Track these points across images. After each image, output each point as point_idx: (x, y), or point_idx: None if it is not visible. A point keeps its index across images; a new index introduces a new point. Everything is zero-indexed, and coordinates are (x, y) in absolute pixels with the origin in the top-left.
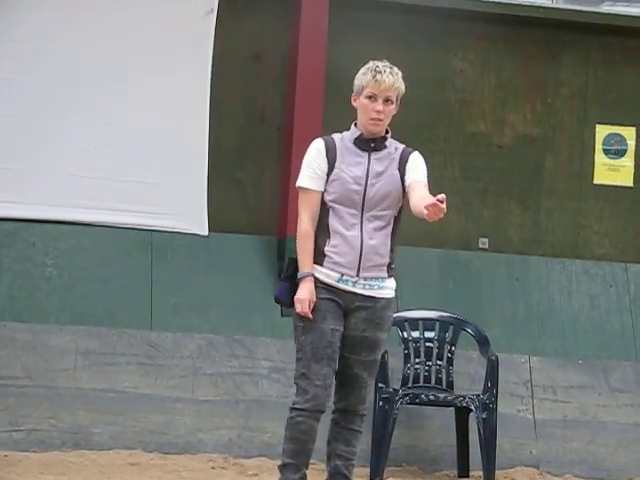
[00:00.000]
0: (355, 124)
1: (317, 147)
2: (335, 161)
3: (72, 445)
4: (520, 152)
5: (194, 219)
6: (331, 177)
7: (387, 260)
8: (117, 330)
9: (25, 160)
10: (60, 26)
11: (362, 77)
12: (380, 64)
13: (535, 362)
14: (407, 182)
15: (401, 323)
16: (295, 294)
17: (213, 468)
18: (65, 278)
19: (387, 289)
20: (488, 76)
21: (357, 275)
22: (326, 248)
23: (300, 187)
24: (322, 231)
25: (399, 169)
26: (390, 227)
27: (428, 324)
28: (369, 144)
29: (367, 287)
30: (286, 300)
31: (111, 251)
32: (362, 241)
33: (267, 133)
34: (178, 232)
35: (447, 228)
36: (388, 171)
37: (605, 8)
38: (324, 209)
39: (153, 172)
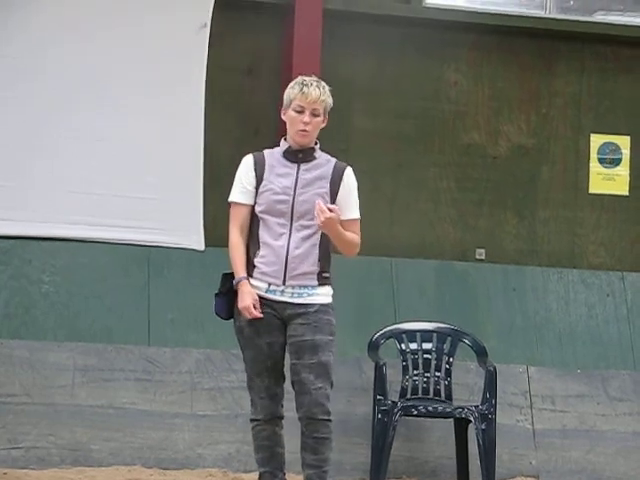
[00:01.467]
0: (285, 138)
1: (246, 163)
2: (264, 174)
3: (71, 462)
4: (515, 162)
5: (190, 234)
6: (260, 189)
7: (316, 268)
8: (115, 346)
9: (20, 177)
10: (54, 42)
11: (290, 91)
12: (307, 78)
13: (533, 372)
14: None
15: (399, 335)
16: (233, 307)
17: None
18: (62, 295)
19: (319, 296)
20: (482, 87)
21: (283, 284)
22: (255, 259)
23: (231, 202)
24: (253, 243)
25: (331, 183)
26: (318, 235)
27: (426, 335)
28: (297, 155)
29: (295, 295)
30: (224, 314)
31: (108, 267)
32: (288, 251)
33: (262, 147)
34: (175, 247)
35: (443, 239)
36: (317, 182)
37: (598, 17)
38: (255, 221)
39: (149, 188)
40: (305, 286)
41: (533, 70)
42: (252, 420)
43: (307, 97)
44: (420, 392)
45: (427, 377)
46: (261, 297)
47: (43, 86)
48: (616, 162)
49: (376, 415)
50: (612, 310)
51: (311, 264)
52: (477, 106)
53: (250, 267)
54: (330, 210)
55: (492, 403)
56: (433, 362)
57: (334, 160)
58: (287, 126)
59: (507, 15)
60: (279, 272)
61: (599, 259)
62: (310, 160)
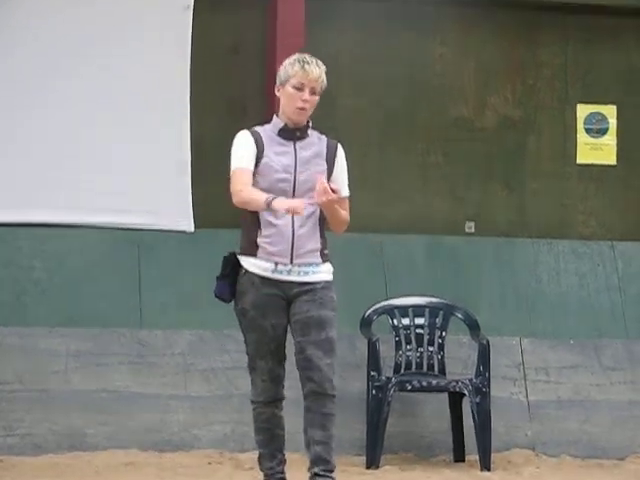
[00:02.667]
0: (276, 115)
1: (244, 135)
2: (263, 149)
3: (67, 447)
4: (502, 134)
5: (180, 216)
6: (260, 166)
7: (319, 246)
8: (107, 330)
9: (7, 164)
10: (37, 24)
11: (289, 67)
12: (307, 56)
13: (526, 344)
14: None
15: (390, 310)
16: (234, 289)
17: (209, 464)
18: (53, 280)
19: (323, 273)
20: (467, 59)
21: (291, 263)
22: (258, 239)
23: (237, 168)
24: (252, 222)
25: (327, 161)
26: (318, 213)
27: (417, 310)
28: (294, 133)
29: (302, 274)
30: (227, 297)
31: (98, 251)
32: (293, 229)
33: (249, 126)
34: (164, 230)
35: (433, 213)
36: (315, 160)
37: None
38: None
39: (136, 171)
40: (310, 264)
41: (518, 41)
42: (252, 402)
43: (308, 75)
44: (414, 367)
45: (420, 352)
46: (266, 278)
47: (26, 75)
48: (603, 132)
49: (370, 391)
50: (603, 279)
51: (315, 242)
52: (463, 79)
53: (252, 247)
54: (333, 190)
55: (486, 376)
56: (426, 337)
57: (325, 137)
58: (282, 103)
59: None
60: (286, 251)
61: (589, 229)
62: (304, 138)
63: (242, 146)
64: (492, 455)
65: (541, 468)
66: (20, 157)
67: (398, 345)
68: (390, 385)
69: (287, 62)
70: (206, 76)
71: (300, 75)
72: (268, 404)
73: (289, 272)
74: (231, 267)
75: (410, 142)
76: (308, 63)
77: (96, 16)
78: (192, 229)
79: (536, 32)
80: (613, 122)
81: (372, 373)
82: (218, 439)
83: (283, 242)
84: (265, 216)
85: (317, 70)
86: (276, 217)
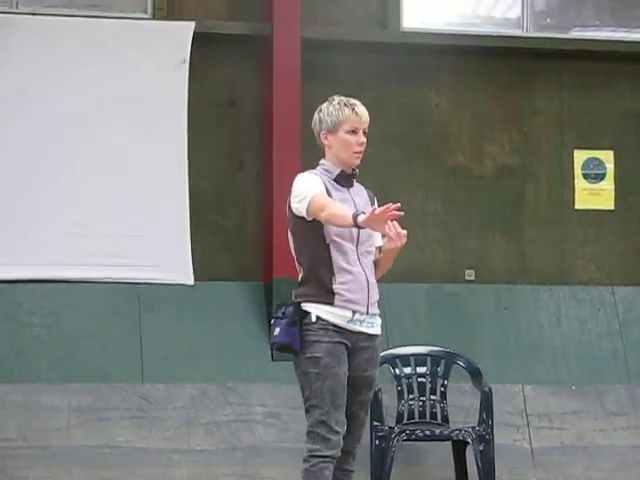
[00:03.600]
0: (325, 160)
1: (312, 176)
2: (330, 195)
3: None
4: (500, 182)
5: (179, 269)
6: None
7: (378, 296)
8: (108, 385)
9: (6, 221)
10: (37, 82)
11: (337, 113)
12: (348, 98)
13: (529, 390)
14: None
15: (392, 360)
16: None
17: None
18: (53, 336)
19: (379, 326)
20: (463, 108)
21: (367, 313)
22: (334, 285)
23: (315, 194)
24: (324, 268)
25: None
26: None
27: (419, 359)
28: (350, 180)
29: (369, 325)
30: (297, 346)
31: (98, 306)
32: (367, 277)
33: (247, 179)
34: (164, 283)
35: (432, 262)
36: (366, 208)
37: (575, 34)
38: (322, 245)
39: (135, 225)
40: (375, 315)
41: (513, 89)
42: (315, 457)
43: (361, 117)
44: (416, 416)
45: (423, 401)
46: (338, 326)
47: (26, 127)
48: (600, 177)
49: (374, 441)
50: (604, 324)
51: (378, 291)
52: (460, 127)
53: (327, 294)
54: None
55: (489, 424)
56: (428, 385)
57: (362, 185)
58: (335, 149)
59: (484, 36)
60: (364, 300)
61: (589, 274)
62: (354, 185)
63: (313, 182)
64: None
65: None
66: (18, 216)
67: (400, 394)
68: (393, 435)
69: (330, 107)
70: (203, 130)
71: (353, 119)
72: (333, 459)
73: (361, 323)
74: (300, 314)
75: (409, 191)
76: (357, 105)
77: (91, 74)
78: (192, 282)
79: (530, 79)
80: (610, 167)
81: (375, 423)
82: None
83: (360, 290)
84: (338, 262)
85: (365, 110)
86: (349, 263)
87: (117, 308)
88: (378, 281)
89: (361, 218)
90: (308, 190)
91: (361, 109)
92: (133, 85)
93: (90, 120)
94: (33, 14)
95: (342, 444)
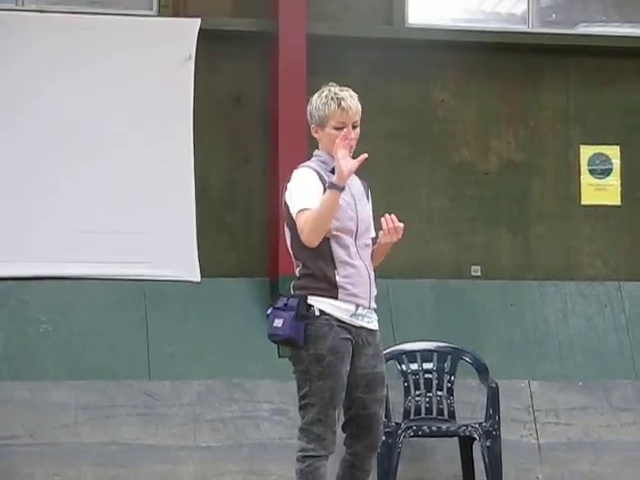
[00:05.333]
0: (319, 151)
1: (308, 173)
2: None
3: None
4: (506, 178)
5: (185, 266)
6: None
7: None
8: (115, 382)
9: (15, 219)
10: (40, 81)
11: (323, 108)
12: (336, 89)
13: (535, 386)
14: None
15: (399, 356)
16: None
17: None
18: (60, 333)
19: (376, 321)
20: (469, 104)
21: (369, 307)
22: (337, 279)
23: (304, 208)
24: (326, 262)
25: (367, 199)
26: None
27: (426, 355)
28: None
29: (369, 320)
30: (301, 340)
31: (105, 304)
32: (367, 270)
33: (253, 175)
34: (170, 280)
35: (438, 258)
36: (363, 199)
37: (581, 30)
38: (323, 239)
39: (141, 222)
40: (373, 310)
41: (519, 85)
42: (309, 457)
43: (348, 112)
44: (423, 412)
45: (429, 397)
46: (342, 321)
47: (33, 124)
48: (607, 172)
49: None
50: (611, 320)
51: (376, 286)
52: (465, 123)
53: (331, 288)
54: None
55: (496, 419)
56: (434, 381)
57: (354, 175)
58: (324, 144)
59: (490, 32)
60: (366, 293)
61: (595, 270)
62: None
63: (309, 185)
64: None
65: None
66: (26, 214)
67: (407, 390)
68: (400, 431)
69: (318, 101)
70: (209, 126)
71: (339, 115)
72: (327, 458)
73: (363, 317)
74: (306, 308)
75: (415, 187)
76: (344, 99)
77: (96, 71)
78: (198, 279)
79: (536, 75)
80: (617, 162)
81: None
82: None
83: (363, 283)
84: (340, 255)
85: (354, 103)
86: (350, 257)
87: (123, 305)
88: (384, 277)
89: (334, 180)
90: (299, 200)
91: (348, 103)
92: (139, 82)
93: (96, 116)
94: (39, 11)
95: (335, 443)
